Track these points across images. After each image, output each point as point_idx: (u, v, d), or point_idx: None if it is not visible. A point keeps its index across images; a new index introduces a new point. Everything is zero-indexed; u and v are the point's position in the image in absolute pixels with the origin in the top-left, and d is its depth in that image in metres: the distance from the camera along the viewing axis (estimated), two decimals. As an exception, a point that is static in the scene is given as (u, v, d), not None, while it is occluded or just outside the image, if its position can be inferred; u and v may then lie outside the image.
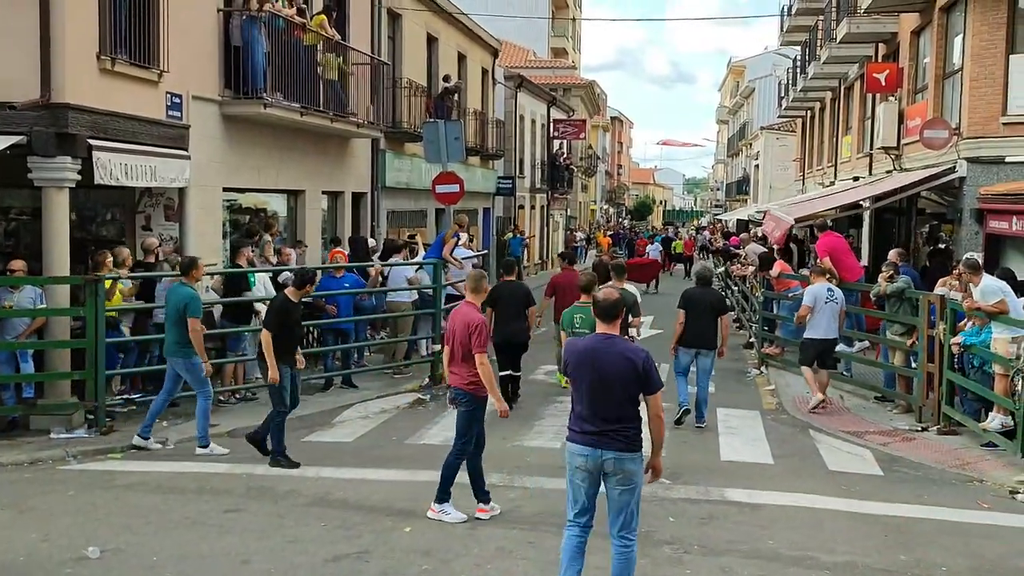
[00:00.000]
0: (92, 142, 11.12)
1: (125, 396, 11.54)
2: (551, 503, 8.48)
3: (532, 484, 9.40)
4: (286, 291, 10.24)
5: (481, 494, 8.38)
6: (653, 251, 35.86)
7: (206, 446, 10.41)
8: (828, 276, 15.03)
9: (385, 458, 10.37)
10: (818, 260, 15.40)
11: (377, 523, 8.12)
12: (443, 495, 8.26)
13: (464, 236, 16.58)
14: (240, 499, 8.79)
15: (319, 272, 13.29)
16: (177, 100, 13.27)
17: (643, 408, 6.31)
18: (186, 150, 13.39)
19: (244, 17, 14.22)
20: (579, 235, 46.83)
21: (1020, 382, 10.08)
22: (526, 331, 13.34)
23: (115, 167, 11.38)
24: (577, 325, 11.09)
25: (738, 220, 46.01)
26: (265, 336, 9.75)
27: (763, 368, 16.58)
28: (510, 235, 33.19)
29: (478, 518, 8.23)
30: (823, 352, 13.46)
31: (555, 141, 43.36)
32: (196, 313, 10.25)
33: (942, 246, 18.88)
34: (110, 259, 11.64)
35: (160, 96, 12.91)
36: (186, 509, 8.43)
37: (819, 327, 13.32)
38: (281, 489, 9.05)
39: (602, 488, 6.32)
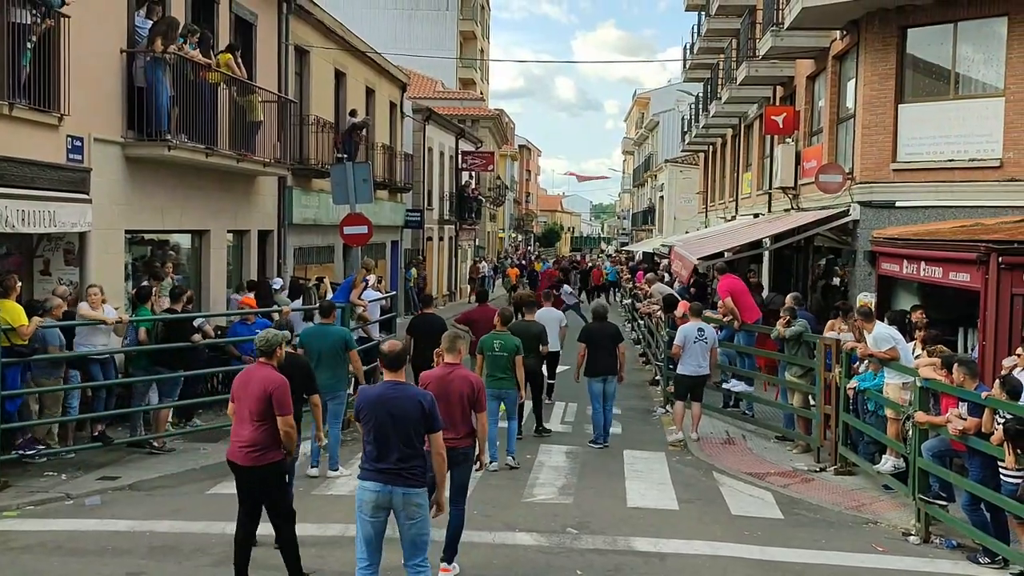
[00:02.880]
0: (-13, 189, 10.84)
1: (20, 452, 11.16)
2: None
3: (439, 537, 9.40)
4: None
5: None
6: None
7: (336, 469, 11.74)
8: (729, 317, 15.53)
9: (293, 511, 10.26)
10: (721, 301, 15.87)
11: (285, 584, 8.04)
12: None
13: (372, 278, 16.54)
14: (143, 560, 8.61)
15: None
16: (78, 143, 13.03)
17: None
18: (87, 193, 13.12)
19: (148, 59, 14.03)
20: (484, 266, 46.76)
21: (911, 427, 10.48)
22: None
23: (11, 214, 11.10)
24: (496, 349, 12.27)
25: (644, 253, 46.81)
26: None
27: (668, 407, 16.87)
28: (407, 269, 33.17)
29: None
30: (693, 387, 14.26)
31: (463, 173, 43.56)
32: (354, 345, 12.04)
33: (825, 282, 19.60)
34: (19, 283, 11.37)
35: (60, 139, 12.66)
36: (87, 573, 8.23)
37: (688, 364, 14.14)
38: (186, 548, 8.88)
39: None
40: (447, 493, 7.31)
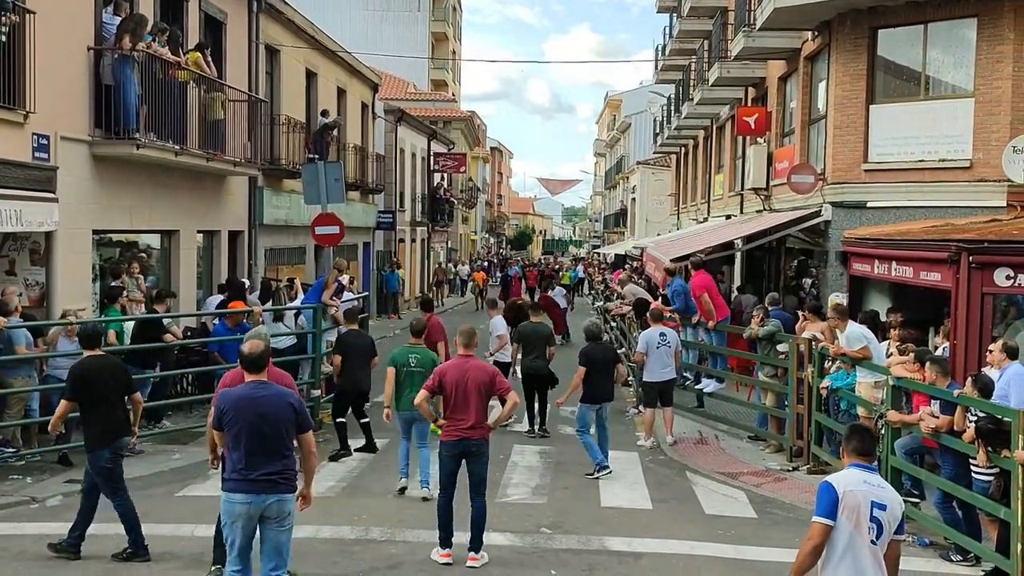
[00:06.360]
0: (-49, 188, 10.67)
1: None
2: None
3: (414, 538, 9.36)
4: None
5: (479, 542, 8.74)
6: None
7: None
8: (699, 317, 15.53)
9: (264, 513, 10.13)
10: (698, 297, 15.85)
11: (256, 587, 7.92)
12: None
13: (345, 279, 16.43)
14: (111, 564, 8.47)
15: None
16: (44, 141, 12.85)
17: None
18: (54, 192, 12.94)
19: (116, 56, 13.85)
20: (462, 269, 46.42)
21: (883, 425, 10.50)
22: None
23: (-24, 213, 10.93)
24: (413, 365, 10.88)
25: (616, 255, 46.83)
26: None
27: (640, 408, 16.83)
28: (387, 270, 33.04)
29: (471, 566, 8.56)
30: (663, 392, 14.18)
31: (435, 174, 43.45)
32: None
33: (796, 283, 19.65)
34: None
35: (26, 137, 12.48)
36: (53, 577, 8.09)
37: (653, 370, 14.06)
38: (155, 551, 8.74)
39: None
40: (313, 487, 7.06)
